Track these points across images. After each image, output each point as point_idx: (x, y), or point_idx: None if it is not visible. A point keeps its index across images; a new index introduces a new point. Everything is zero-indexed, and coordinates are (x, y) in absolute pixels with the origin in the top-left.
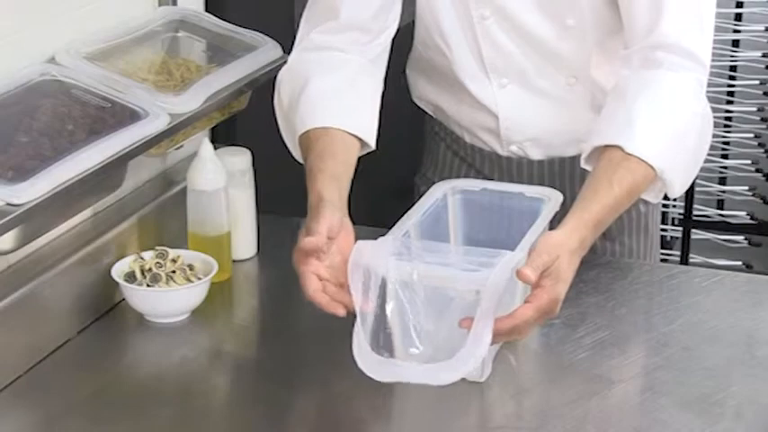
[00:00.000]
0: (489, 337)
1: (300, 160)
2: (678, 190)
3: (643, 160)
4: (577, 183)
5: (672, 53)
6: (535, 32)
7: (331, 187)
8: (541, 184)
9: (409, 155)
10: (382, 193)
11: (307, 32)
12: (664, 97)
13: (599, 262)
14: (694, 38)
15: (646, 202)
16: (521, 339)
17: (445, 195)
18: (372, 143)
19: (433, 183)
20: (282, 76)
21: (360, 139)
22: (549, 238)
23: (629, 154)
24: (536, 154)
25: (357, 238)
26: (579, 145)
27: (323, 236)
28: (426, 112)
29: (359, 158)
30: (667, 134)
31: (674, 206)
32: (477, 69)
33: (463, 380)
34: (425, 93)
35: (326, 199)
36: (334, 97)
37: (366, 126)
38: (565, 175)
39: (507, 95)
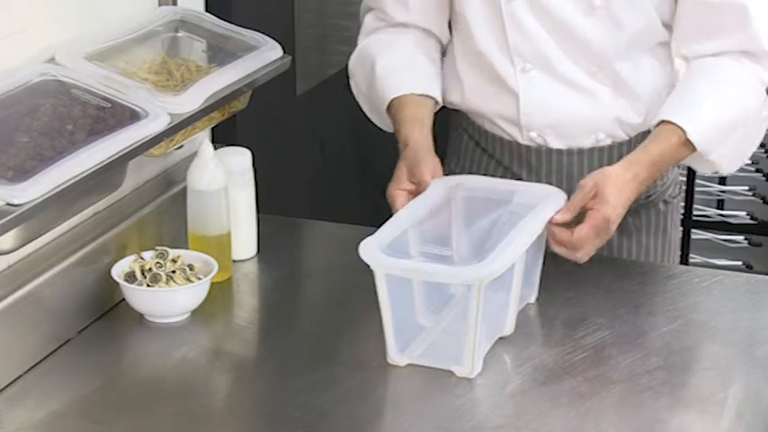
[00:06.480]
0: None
1: (391, 131)
2: (726, 169)
3: (693, 144)
4: None
5: (752, 56)
6: (561, 14)
7: (413, 129)
8: (559, 173)
9: None
10: (383, 193)
11: (363, 15)
12: (727, 87)
13: (599, 262)
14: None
15: (665, 201)
16: (581, 258)
17: (448, 194)
18: (440, 99)
19: (455, 174)
20: (353, 63)
21: (431, 97)
22: (599, 170)
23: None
24: (555, 142)
25: (357, 237)
26: (597, 135)
27: (429, 183)
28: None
29: (358, 158)
30: (722, 123)
31: None
32: (501, 53)
33: (458, 378)
34: None
35: (412, 143)
36: (398, 69)
37: (432, 85)
38: (583, 166)
39: (529, 80)
